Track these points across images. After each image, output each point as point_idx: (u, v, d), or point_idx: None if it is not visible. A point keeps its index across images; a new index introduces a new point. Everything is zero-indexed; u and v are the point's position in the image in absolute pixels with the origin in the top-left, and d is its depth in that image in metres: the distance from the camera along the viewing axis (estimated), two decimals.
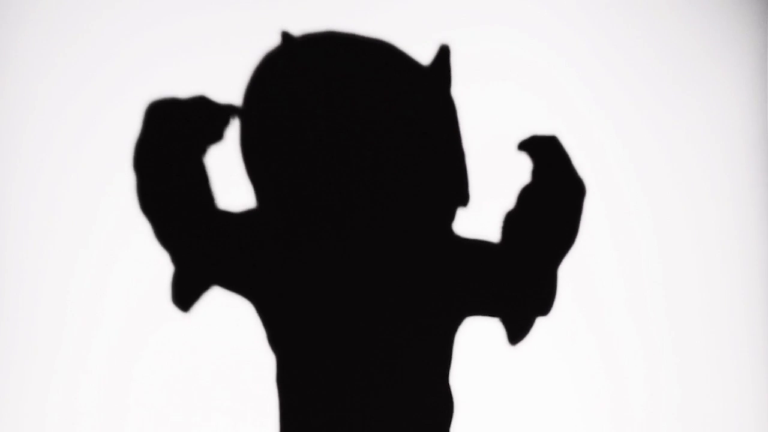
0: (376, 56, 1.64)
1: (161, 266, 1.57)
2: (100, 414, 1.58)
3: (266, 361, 1.58)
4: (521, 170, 1.67)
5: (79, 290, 1.58)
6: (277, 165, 1.58)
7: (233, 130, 1.60)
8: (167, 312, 1.58)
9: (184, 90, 1.60)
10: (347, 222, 1.58)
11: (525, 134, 1.67)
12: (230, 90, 1.61)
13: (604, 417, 1.71)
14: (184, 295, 1.57)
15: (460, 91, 1.66)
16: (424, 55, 1.65)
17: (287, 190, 1.58)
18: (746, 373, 1.78)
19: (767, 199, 1.80)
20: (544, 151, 1.66)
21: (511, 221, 1.65)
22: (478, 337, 1.65)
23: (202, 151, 1.58)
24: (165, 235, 1.56)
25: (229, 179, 1.59)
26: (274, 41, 1.64)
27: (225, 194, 1.59)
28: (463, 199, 1.64)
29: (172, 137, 1.56)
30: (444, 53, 1.66)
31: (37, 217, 1.58)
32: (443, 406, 1.58)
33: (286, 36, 1.64)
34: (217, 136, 1.58)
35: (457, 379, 1.63)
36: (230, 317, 1.59)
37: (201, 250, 1.56)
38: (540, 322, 1.66)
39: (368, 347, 1.55)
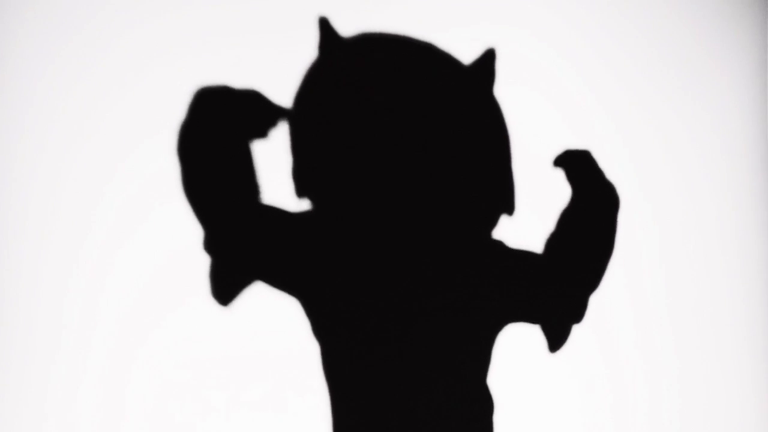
0: (423, 57, 1.64)
1: (161, 265, 1.56)
2: (98, 413, 1.56)
3: (266, 361, 1.59)
4: (531, 174, 1.69)
5: (77, 289, 1.56)
6: (326, 169, 1.59)
7: (279, 131, 1.59)
8: (167, 310, 1.57)
9: (184, 87, 1.58)
10: (394, 223, 1.59)
11: (526, 135, 1.69)
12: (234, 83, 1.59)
13: (604, 417, 1.73)
14: (226, 289, 1.56)
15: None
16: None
17: (336, 193, 1.58)
18: (747, 373, 1.79)
19: (767, 198, 1.82)
20: (578, 166, 1.69)
21: (553, 234, 1.68)
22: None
23: (247, 142, 1.56)
24: (216, 232, 1.53)
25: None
26: (274, 39, 1.64)
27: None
28: (508, 207, 1.65)
29: (222, 125, 1.54)
30: (489, 56, 1.66)
31: (36, 216, 1.56)
32: (483, 403, 1.59)
33: (323, 22, 1.62)
34: (262, 133, 1.56)
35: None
36: (229, 316, 1.58)
37: (252, 246, 1.54)
38: (526, 346, 1.69)
39: (411, 348, 1.56)
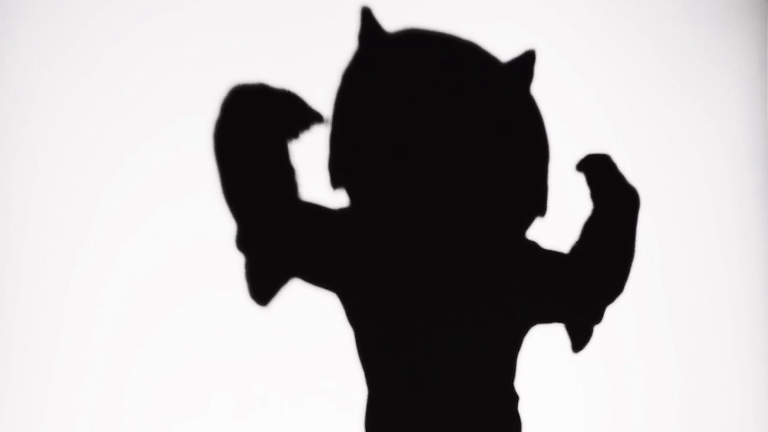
0: (464, 55, 1.64)
1: (160, 265, 1.54)
2: (99, 412, 1.54)
3: (266, 360, 1.57)
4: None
5: (78, 288, 1.54)
6: (366, 161, 1.58)
7: (311, 134, 1.57)
8: (167, 309, 1.55)
9: (189, 85, 1.56)
10: (430, 221, 1.59)
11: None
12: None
13: (604, 417, 1.73)
14: (264, 289, 1.55)
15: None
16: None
17: (375, 190, 1.58)
18: (747, 373, 1.81)
19: (767, 198, 1.83)
20: (600, 170, 1.71)
21: (580, 241, 1.69)
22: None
23: (284, 141, 1.55)
24: (251, 230, 1.53)
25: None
26: (274, 37, 1.61)
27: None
28: (541, 209, 1.66)
29: (260, 124, 1.53)
30: (529, 57, 1.66)
31: (37, 215, 1.53)
32: (508, 400, 1.61)
33: (366, 12, 1.61)
34: (294, 134, 1.55)
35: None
36: (230, 315, 1.57)
37: (289, 244, 1.54)
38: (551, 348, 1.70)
39: (440, 340, 1.57)
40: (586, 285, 1.69)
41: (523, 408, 1.65)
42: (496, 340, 1.61)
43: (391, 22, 1.63)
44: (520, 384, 1.65)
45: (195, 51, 1.57)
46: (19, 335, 1.51)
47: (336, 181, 1.58)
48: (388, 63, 1.61)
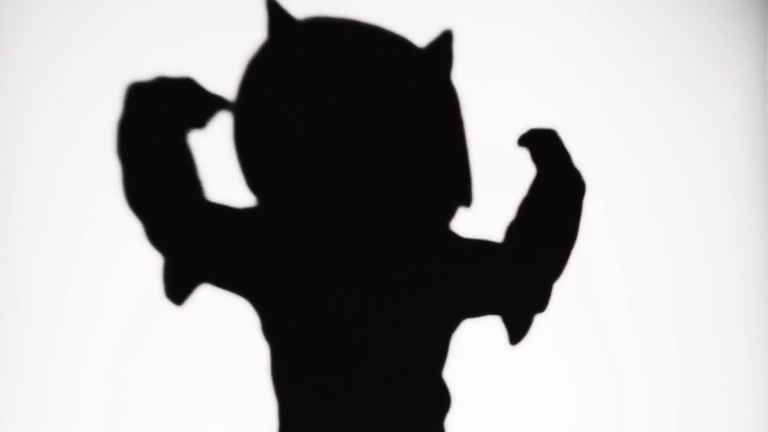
0: (372, 41, 1.57)
1: (160, 264, 1.52)
2: (99, 414, 1.54)
3: (266, 360, 1.54)
4: (522, 170, 1.64)
5: (76, 289, 1.54)
6: (273, 161, 1.52)
7: (218, 122, 1.52)
8: (167, 310, 1.53)
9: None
10: (345, 217, 1.53)
11: (522, 131, 1.65)
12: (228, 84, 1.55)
13: (604, 417, 1.71)
14: (177, 288, 1.50)
15: (459, 88, 1.62)
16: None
17: (284, 187, 1.52)
18: (747, 373, 1.78)
19: (767, 198, 1.80)
20: (544, 146, 1.63)
21: (514, 221, 1.62)
22: (479, 334, 1.63)
23: (185, 135, 1.49)
24: (156, 231, 1.49)
25: (216, 175, 1.53)
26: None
27: (213, 188, 1.53)
28: (465, 198, 1.58)
29: (157, 117, 1.48)
30: (446, 38, 1.57)
31: (35, 215, 1.53)
32: (438, 400, 1.55)
33: (272, 3, 1.54)
34: (199, 123, 1.49)
35: (457, 375, 1.61)
36: (230, 315, 1.55)
37: (194, 246, 1.49)
38: (541, 322, 1.65)
39: (364, 343, 1.51)
40: (521, 271, 1.60)
41: (522, 408, 1.64)
42: (423, 341, 1.54)
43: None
44: (520, 384, 1.64)
45: (191, 54, 1.56)
46: (19, 335, 1.52)
47: (249, 183, 1.53)
48: (296, 53, 1.54)
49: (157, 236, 1.48)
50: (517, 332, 1.61)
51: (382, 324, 1.51)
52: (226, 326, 1.55)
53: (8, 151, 1.53)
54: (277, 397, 1.51)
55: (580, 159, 1.65)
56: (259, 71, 1.54)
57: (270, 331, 1.51)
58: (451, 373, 1.58)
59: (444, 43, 1.58)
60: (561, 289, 1.65)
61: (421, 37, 1.58)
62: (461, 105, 1.59)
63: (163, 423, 1.55)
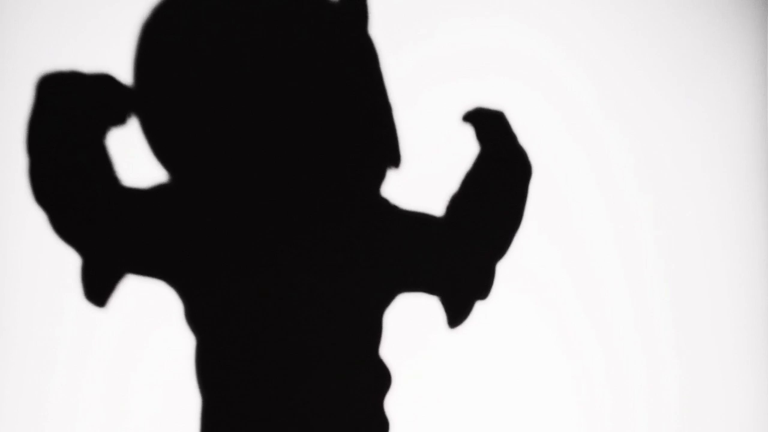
0: None
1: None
2: (99, 416, 1.52)
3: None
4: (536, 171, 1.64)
5: (77, 293, 1.49)
6: (181, 131, 1.44)
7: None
8: (168, 310, 1.49)
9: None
10: (265, 186, 1.44)
11: (522, 130, 1.62)
12: None
13: (604, 416, 1.69)
14: (97, 288, 1.44)
15: (458, 85, 1.61)
16: (428, 56, 1.60)
17: (195, 156, 1.44)
18: (747, 373, 1.77)
19: (767, 198, 1.80)
20: (490, 125, 1.58)
21: (455, 195, 1.55)
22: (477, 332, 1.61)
23: (102, 131, 1.43)
24: (65, 222, 1.42)
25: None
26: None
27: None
28: (393, 158, 1.51)
29: (69, 113, 1.42)
30: None
31: (35, 215, 1.47)
32: (376, 379, 1.48)
33: None
34: (119, 119, 1.44)
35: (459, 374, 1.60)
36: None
37: (106, 233, 1.42)
38: (543, 321, 1.64)
39: (292, 324, 1.44)
40: (460, 249, 1.53)
41: (520, 407, 1.62)
42: (356, 316, 1.47)
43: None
44: (518, 383, 1.62)
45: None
46: (18, 336, 1.50)
47: (158, 154, 1.45)
48: (198, 11, 1.46)
49: (66, 227, 1.42)
50: (455, 315, 1.54)
51: (310, 302, 1.44)
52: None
53: (8, 150, 1.50)
54: (201, 391, 1.43)
55: (578, 157, 1.66)
56: (158, 31, 1.46)
57: (194, 318, 1.44)
58: (453, 373, 1.57)
59: None
60: (561, 289, 1.65)
61: (420, 38, 1.56)
62: (380, 60, 1.51)
63: (163, 425, 1.52)
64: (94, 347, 1.49)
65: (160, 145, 1.45)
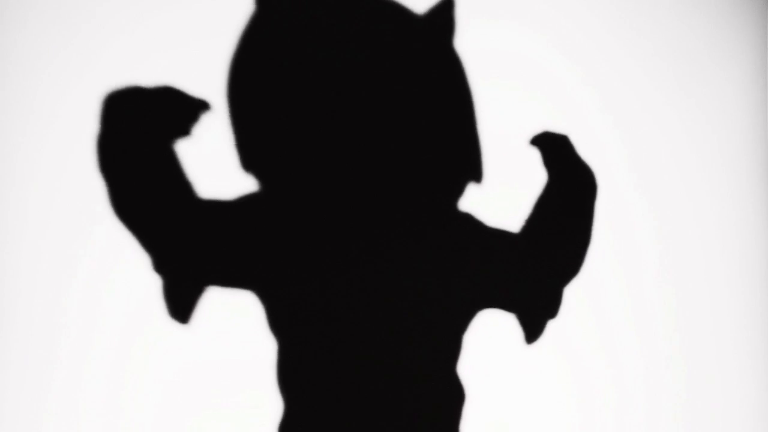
0: (368, 8, 1.48)
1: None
2: (99, 416, 1.49)
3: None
4: (529, 170, 1.63)
5: (77, 293, 1.48)
6: (272, 136, 1.44)
7: (204, 127, 1.46)
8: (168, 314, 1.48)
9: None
10: (351, 196, 1.45)
11: (524, 132, 1.63)
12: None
13: (605, 417, 1.69)
14: (181, 305, 1.43)
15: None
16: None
17: (287, 166, 1.44)
18: (748, 373, 1.78)
19: (767, 198, 1.82)
20: (555, 149, 1.62)
21: (529, 218, 1.59)
22: (489, 331, 1.59)
23: (171, 144, 1.42)
24: (149, 238, 1.41)
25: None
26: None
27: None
28: (475, 173, 1.52)
29: (137, 129, 1.40)
30: (447, 4, 1.50)
31: (36, 215, 1.46)
32: (452, 395, 1.49)
33: None
34: (183, 131, 1.43)
35: (467, 370, 1.57)
36: (233, 319, 1.49)
37: (192, 246, 1.41)
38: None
39: (374, 336, 1.44)
40: (535, 269, 1.56)
41: (520, 405, 1.61)
42: (437, 332, 1.47)
43: None
44: (516, 382, 1.61)
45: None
46: (18, 336, 1.47)
47: (246, 164, 1.45)
48: (291, 24, 1.45)
49: (151, 243, 1.41)
50: (532, 332, 1.58)
51: (394, 315, 1.44)
52: (230, 330, 1.49)
53: (9, 150, 1.48)
54: (283, 395, 1.44)
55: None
56: (252, 42, 1.45)
57: (276, 325, 1.44)
58: (461, 365, 1.55)
59: (445, 8, 1.50)
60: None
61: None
62: (466, 74, 1.52)
63: (168, 424, 1.50)
64: (96, 349, 1.47)
65: (252, 151, 1.45)
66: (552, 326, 1.62)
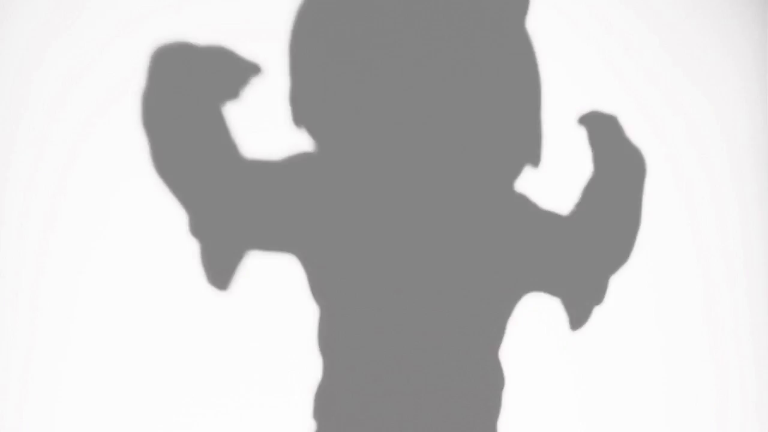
0: None
1: (163, 266, 1.43)
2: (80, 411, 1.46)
3: (273, 364, 1.45)
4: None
5: (80, 291, 1.44)
6: (331, 99, 1.40)
7: (252, 91, 1.40)
8: (170, 312, 1.44)
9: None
10: (406, 166, 1.41)
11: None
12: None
13: (602, 415, 1.65)
14: (220, 270, 1.38)
15: None
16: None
17: (341, 127, 1.40)
18: (748, 373, 1.76)
19: (767, 198, 1.80)
20: (604, 130, 1.58)
21: (578, 202, 1.55)
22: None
23: (218, 104, 1.37)
24: (190, 197, 1.36)
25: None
26: None
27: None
28: (534, 158, 1.48)
29: (185, 87, 1.35)
30: None
31: (36, 215, 1.44)
32: (493, 379, 1.45)
33: None
34: (232, 93, 1.37)
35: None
36: (233, 318, 1.46)
37: (235, 206, 1.36)
38: (544, 321, 1.59)
39: (418, 308, 1.40)
40: (584, 254, 1.52)
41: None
42: (483, 311, 1.43)
43: None
44: (515, 376, 1.56)
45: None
46: (18, 343, 1.44)
47: (298, 117, 1.40)
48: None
49: (195, 206, 1.36)
50: (577, 318, 1.54)
51: (441, 291, 1.40)
52: (230, 330, 1.46)
53: (9, 150, 1.45)
54: (322, 360, 1.40)
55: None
56: (315, 15, 1.42)
57: (319, 290, 1.40)
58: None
59: None
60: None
61: None
62: (536, 54, 1.45)
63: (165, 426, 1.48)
64: (95, 351, 1.44)
65: (307, 107, 1.41)
66: (551, 326, 1.60)
